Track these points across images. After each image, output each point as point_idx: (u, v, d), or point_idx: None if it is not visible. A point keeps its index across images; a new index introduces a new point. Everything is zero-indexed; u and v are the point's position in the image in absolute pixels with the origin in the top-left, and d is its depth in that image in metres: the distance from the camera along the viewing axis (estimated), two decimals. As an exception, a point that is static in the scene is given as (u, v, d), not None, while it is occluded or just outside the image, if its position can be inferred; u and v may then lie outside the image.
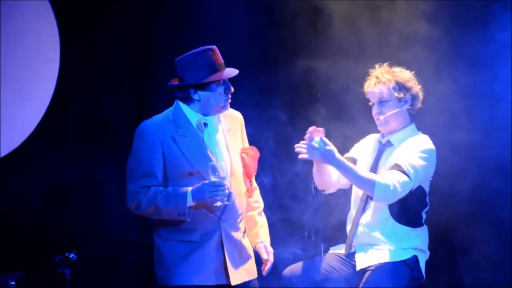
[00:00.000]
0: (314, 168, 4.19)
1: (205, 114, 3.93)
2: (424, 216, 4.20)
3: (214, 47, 3.93)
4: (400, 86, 4.14)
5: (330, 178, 4.25)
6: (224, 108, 3.94)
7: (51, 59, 5.26)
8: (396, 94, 4.14)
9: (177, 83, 3.91)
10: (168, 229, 3.87)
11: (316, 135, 4.00)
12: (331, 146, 4.00)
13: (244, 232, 4.01)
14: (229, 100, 3.94)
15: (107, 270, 5.24)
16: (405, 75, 4.17)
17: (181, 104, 3.93)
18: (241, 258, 3.92)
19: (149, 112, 4.14)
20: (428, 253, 4.22)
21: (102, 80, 5.37)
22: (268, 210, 4.23)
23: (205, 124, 3.93)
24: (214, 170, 3.75)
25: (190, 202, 3.76)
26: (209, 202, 3.74)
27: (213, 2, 5.32)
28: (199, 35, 5.23)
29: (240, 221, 3.96)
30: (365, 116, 4.49)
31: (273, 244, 4.09)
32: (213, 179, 3.74)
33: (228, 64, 3.96)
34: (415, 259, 4.13)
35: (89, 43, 5.35)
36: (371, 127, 4.34)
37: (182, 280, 3.81)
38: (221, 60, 3.91)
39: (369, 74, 4.22)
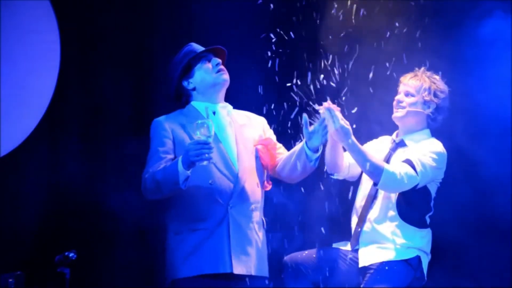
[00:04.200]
0: (328, 146, 4.18)
1: (212, 100, 3.97)
2: (428, 220, 4.22)
3: (191, 43, 4.02)
4: (431, 90, 4.24)
5: (342, 161, 4.24)
6: (220, 81, 3.95)
7: (51, 59, 5.26)
8: (424, 94, 4.23)
9: (171, 86, 4.00)
10: (179, 220, 3.85)
11: (336, 110, 4.01)
12: (347, 125, 4.01)
13: (263, 225, 3.97)
14: (223, 70, 3.96)
15: (107, 270, 5.24)
16: (441, 85, 4.28)
17: (189, 104, 4.01)
18: (249, 248, 3.85)
19: (150, 113, 4.15)
20: (430, 256, 4.23)
21: (103, 79, 5.37)
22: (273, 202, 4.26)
23: (213, 113, 3.96)
24: (198, 127, 3.66)
25: (181, 167, 3.69)
26: (195, 162, 3.65)
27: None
28: (199, 30, 5.24)
29: (252, 210, 3.91)
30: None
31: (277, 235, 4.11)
32: (196, 137, 3.66)
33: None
34: (418, 259, 4.15)
35: (89, 43, 5.35)
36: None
37: (193, 271, 3.79)
38: (198, 46, 3.99)
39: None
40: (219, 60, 3.99)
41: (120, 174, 5.15)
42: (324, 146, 4.14)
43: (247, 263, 3.84)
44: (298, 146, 3.96)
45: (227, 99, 4.12)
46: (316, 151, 3.91)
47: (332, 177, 4.33)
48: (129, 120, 5.34)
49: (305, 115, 3.88)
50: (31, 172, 5.19)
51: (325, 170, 4.29)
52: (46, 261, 4.43)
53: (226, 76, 3.98)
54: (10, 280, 4.42)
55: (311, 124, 3.92)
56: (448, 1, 5.12)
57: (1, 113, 5.11)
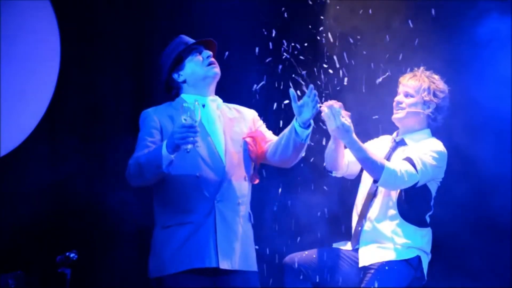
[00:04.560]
0: (329, 144, 4.19)
1: (202, 93, 3.91)
2: (428, 219, 4.23)
3: (181, 35, 3.98)
4: (430, 90, 4.24)
5: (342, 160, 4.25)
6: (211, 74, 3.91)
7: (51, 59, 5.26)
8: (423, 94, 4.24)
9: (163, 79, 3.95)
10: (166, 213, 3.79)
11: (338, 107, 4.01)
12: (349, 123, 4.01)
13: (249, 219, 3.91)
14: (214, 63, 3.91)
15: (107, 270, 5.24)
16: (440, 85, 4.28)
17: (179, 97, 3.96)
18: (236, 243, 3.80)
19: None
20: (430, 255, 4.24)
21: (103, 79, 5.37)
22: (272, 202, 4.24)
23: (203, 106, 3.89)
24: (184, 111, 3.59)
25: (165, 151, 3.63)
26: (180, 145, 3.59)
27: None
28: (199, 29, 5.23)
29: (239, 204, 3.85)
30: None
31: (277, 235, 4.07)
32: (183, 121, 3.59)
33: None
34: (418, 259, 4.16)
35: (89, 42, 5.35)
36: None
37: (182, 266, 3.73)
38: (188, 39, 3.95)
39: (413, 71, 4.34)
40: (210, 53, 3.94)
41: (121, 174, 5.14)
42: (324, 139, 4.16)
43: (233, 257, 3.78)
44: (288, 127, 3.89)
45: (227, 93, 4.11)
46: (307, 127, 3.83)
47: (331, 174, 4.34)
48: (129, 120, 5.34)
49: (292, 90, 3.80)
50: (31, 172, 5.19)
51: (324, 165, 4.30)
52: (46, 261, 4.44)
53: (217, 69, 3.93)
54: (10, 280, 4.43)
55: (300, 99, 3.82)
56: (445, 1, 5.13)
57: (1, 113, 5.10)
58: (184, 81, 3.94)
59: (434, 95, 4.25)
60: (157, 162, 3.64)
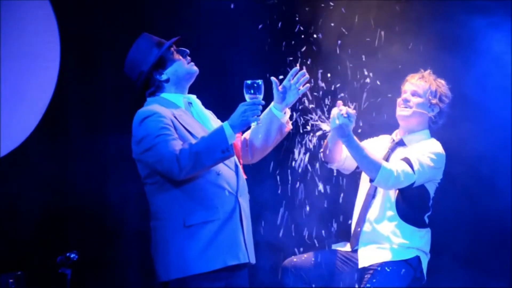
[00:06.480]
0: (328, 137, 4.21)
1: (184, 91, 3.88)
2: (427, 220, 4.23)
3: (145, 33, 3.91)
4: (437, 94, 4.28)
5: (339, 152, 4.27)
6: (194, 71, 3.88)
7: (51, 59, 5.26)
8: (430, 97, 4.27)
9: (141, 79, 3.86)
10: (186, 211, 3.70)
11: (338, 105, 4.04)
12: (347, 122, 4.01)
13: None
14: (192, 61, 3.89)
15: (108, 270, 5.24)
16: (446, 89, 4.33)
17: (158, 96, 3.88)
18: (251, 236, 3.82)
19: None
20: (429, 255, 4.25)
21: (102, 79, 5.37)
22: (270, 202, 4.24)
23: (189, 103, 3.87)
24: (250, 87, 3.62)
25: (230, 132, 3.60)
26: (251, 122, 3.60)
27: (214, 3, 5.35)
28: (199, 29, 5.25)
29: (248, 197, 3.87)
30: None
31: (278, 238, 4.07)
32: (247, 99, 3.61)
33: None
34: (417, 259, 4.17)
35: (89, 42, 5.35)
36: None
37: (214, 264, 3.68)
38: (156, 37, 3.91)
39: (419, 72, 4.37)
40: (188, 51, 3.92)
41: (122, 174, 5.15)
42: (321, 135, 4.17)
43: (252, 251, 3.81)
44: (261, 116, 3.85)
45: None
46: (285, 112, 3.91)
47: (326, 165, 4.35)
48: (129, 120, 5.32)
49: (273, 78, 3.83)
50: (32, 172, 5.19)
51: (320, 157, 4.31)
52: (47, 261, 4.43)
53: (196, 66, 3.91)
54: (10, 280, 4.43)
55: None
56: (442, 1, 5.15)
57: (1, 113, 5.11)
58: (167, 80, 3.87)
59: (440, 99, 4.28)
60: (223, 146, 3.60)
